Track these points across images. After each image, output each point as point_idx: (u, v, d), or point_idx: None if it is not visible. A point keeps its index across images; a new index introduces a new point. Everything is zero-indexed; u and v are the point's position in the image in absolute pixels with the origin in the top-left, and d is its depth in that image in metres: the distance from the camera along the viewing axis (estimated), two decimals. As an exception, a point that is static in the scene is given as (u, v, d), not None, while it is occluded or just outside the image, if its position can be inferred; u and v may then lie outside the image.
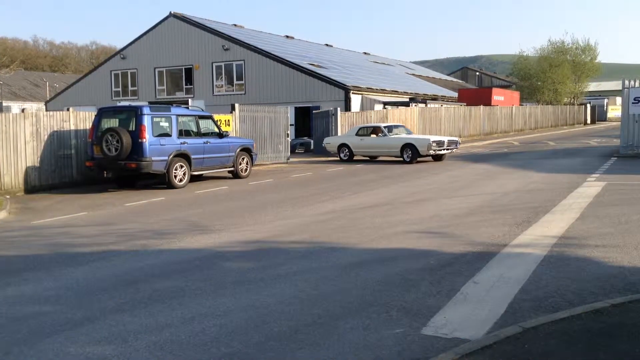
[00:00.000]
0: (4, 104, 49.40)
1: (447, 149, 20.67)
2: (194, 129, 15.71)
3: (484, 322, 4.69)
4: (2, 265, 7.20)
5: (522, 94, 53.85)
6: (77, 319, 5.06)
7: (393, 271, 6.26)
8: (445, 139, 20.98)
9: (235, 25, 41.86)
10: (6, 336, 4.70)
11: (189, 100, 34.69)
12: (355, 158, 22.29)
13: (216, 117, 17.92)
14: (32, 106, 47.62)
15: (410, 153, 20.26)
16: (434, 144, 20.04)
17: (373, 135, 21.62)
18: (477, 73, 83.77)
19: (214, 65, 35.04)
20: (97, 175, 15.09)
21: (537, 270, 6.11)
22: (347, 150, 22.21)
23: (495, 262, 6.52)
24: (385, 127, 21.80)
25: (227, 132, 17.33)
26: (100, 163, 14.47)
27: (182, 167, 14.91)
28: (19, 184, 14.45)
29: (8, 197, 13.43)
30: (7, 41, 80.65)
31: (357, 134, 22.13)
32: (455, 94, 45.91)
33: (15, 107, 49.20)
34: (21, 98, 58.53)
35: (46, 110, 35.80)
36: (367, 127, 22.48)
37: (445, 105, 35.72)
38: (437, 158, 20.76)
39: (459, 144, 21.95)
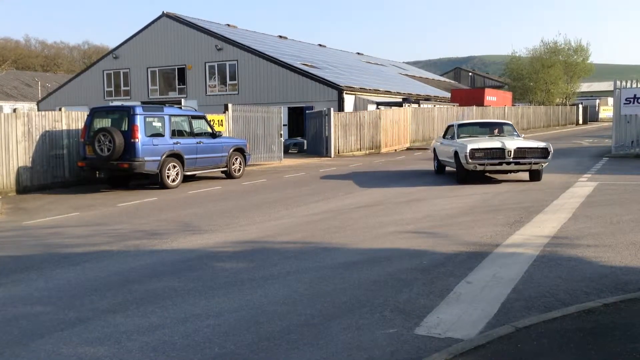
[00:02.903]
0: (-4, 103, 49.10)
1: (521, 162, 13.17)
2: (187, 129, 15.67)
3: (476, 322, 4.70)
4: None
5: (515, 94, 54.09)
6: (69, 319, 5.03)
7: (386, 271, 6.27)
8: (513, 145, 13.18)
9: (228, 25, 41.80)
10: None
11: (182, 100, 34.62)
12: (447, 169, 15.99)
13: (209, 117, 17.88)
14: (24, 106, 47.33)
15: (456, 167, 14.04)
16: (480, 154, 13.18)
17: (448, 138, 15.58)
18: (470, 73, 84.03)
19: (207, 65, 34.97)
20: (89, 175, 15.04)
21: (530, 270, 6.14)
22: (436, 158, 16.48)
23: (487, 262, 6.54)
24: (459, 125, 15.62)
25: (220, 132, 17.30)
26: (93, 163, 14.41)
27: (174, 167, 14.87)
28: (11, 184, 14.36)
29: (0, 197, 13.34)
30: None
31: (443, 136, 16.20)
32: (448, 95, 46.04)
33: (7, 107, 48.87)
34: (13, 98, 58.16)
35: (38, 110, 35.59)
36: (451, 126, 16.00)
37: (438, 106, 35.82)
38: (533, 175, 13.68)
39: (550, 152, 13.32)
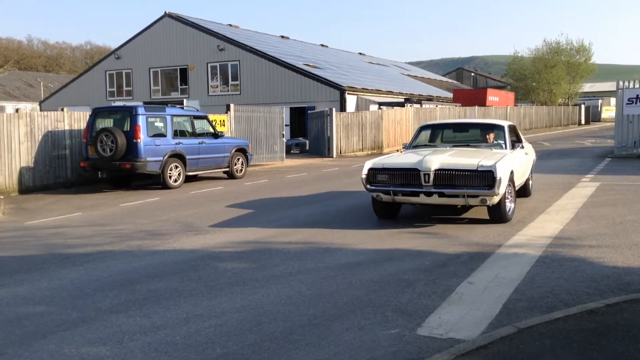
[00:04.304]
0: (-2, 104, 49.24)
1: (446, 193, 8.35)
2: (189, 130, 15.68)
3: (479, 323, 4.70)
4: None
5: (517, 94, 54.04)
6: (71, 319, 5.04)
7: (388, 272, 6.27)
8: (435, 163, 8.44)
9: (230, 25, 41.81)
10: (0, 337, 4.68)
11: (184, 100, 34.60)
12: None
13: (211, 117, 17.90)
14: (27, 106, 47.39)
15: None
16: (383, 177, 8.80)
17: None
18: (472, 74, 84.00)
19: (209, 65, 34.99)
20: (91, 175, 15.06)
21: (532, 271, 6.13)
22: None
23: (490, 263, 6.54)
24: (422, 128, 10.97)
25: (222, 132, 17.31)
26: (95, 163, 14.43)
27: (177, 167, 14.89)
28: (13, 185, 14.39)
29: (2, 197, 13.35)
30: (1, 41, 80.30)
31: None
32: (450, 95, 46.02)
33: (9, 107, 48.95)
34: (15, 98, 58.27)
35: (40, 110, 35.62)
36: None
37: (440, 106, 35.80)
38: (492, 213, 8.78)
39: (496, 178, 8.11)
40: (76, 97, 38.93)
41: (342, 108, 30.36)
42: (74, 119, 15.86)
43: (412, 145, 10.46)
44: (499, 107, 41.12)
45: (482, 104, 39.81)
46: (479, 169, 8.24)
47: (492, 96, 43.29)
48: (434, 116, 32.31)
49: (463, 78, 78.74)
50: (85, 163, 14.73)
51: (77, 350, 4.39)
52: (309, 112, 29.70)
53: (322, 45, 52.16)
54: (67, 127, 15.63)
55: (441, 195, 8.41)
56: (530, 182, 11.46)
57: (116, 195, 13.85)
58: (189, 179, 15.86)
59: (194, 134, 15.73)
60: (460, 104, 38.43)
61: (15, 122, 14.41)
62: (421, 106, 33.35)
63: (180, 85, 36.42)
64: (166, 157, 14.57)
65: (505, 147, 9.77)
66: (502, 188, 8.24)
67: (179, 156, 14.98)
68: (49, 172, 15.22)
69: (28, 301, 5.65)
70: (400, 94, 37.78)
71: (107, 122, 14.71)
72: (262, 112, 21.74)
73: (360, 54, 57.28)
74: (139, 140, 14.03)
